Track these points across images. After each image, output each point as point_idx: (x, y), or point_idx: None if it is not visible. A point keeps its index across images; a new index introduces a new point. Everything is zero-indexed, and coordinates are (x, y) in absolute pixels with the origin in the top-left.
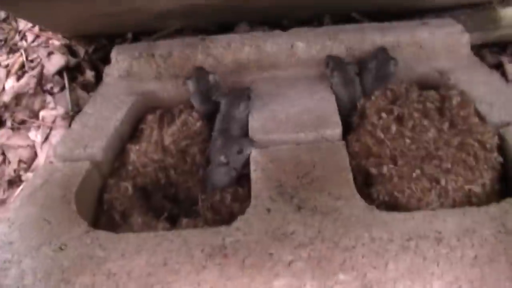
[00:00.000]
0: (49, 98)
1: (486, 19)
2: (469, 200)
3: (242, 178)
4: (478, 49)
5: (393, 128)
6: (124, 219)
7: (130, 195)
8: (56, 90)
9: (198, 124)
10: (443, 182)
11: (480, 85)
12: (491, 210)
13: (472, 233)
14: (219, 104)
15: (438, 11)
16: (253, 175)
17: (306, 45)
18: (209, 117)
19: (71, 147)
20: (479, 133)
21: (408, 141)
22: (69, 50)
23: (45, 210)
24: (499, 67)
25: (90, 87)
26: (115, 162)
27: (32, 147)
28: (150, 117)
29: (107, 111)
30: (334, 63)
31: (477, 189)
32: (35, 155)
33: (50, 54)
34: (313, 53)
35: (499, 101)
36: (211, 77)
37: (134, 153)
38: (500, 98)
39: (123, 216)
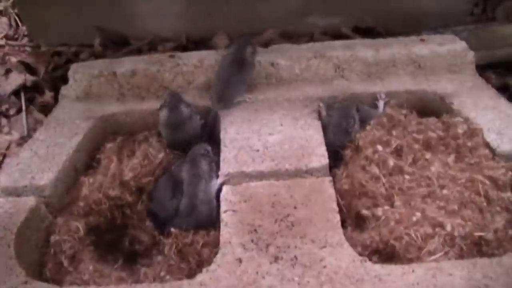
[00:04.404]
0: (3, 121)
1: (491, 36)
2: (479, 249)
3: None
4: (482, 70)
5: (391, 162)
6: (74, 265)
7: (81, 236)
8: (12, 112)
9: (160, 156)
10: (448, 227)
11: (487, 111)
12: (505, 262)
13: None
14: (189, 142)
15: (437, 28)
16: (223, 217)
17: (289, 64)
18: (177, 149)
19: (17, 179)
20: (489, 168)
21: (407, 177)
22: (27, 68)
23: None
24: (505, 90)
25: (49, 110)
26: (66, 196)
27: None
28: (109, 146)
29: (60, 137)
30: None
31: (488, 235)
32: None
33: (7, 72)
34: (296, 72)
35: (509, 129)
36: (183, 109)
37: (87, 187)
38: (510, 126)
39: (73, 260)
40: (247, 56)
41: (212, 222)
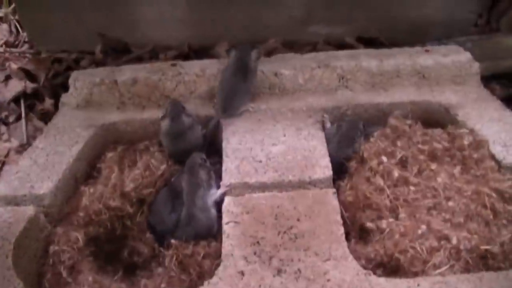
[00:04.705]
0: (3, 128)
1: (495, 47)
2: (485, 263)
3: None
4: (486, 81)
5: (395, 173)
6: (73, 276)
7: (80, 246)
8: (11, 119)
9: (162, 167)
10: (454, 240)
11: (493, 123)
12: None
13: None
14: (190, 150)
15: (441, 38)
16: (225, 229)
17: (292, 73)
18: (178, 159)
19: (16, 187)
20: (496, 181)
21: (412, 188)
22: (27, 75)
23: None
24: (509, 101)
25: (49, 117)
26: (66, 206)
27: None
28: (109, 155)
29: (61, 145)
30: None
31: (495, 249)
32: None
33: (7, 78)
34: (300, 83)
35: None
36: (185, 119)
37: (88, 197)
38: None
39: (72, 271)
40: (250, 61)
41: (212, 232)
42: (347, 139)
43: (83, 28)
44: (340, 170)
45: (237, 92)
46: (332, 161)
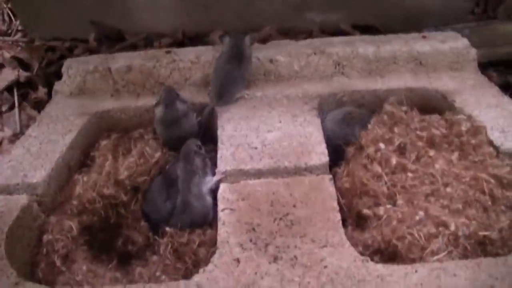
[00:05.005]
0: None
1: (492, 34)
2: (484, 249)
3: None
4: (483, 68)
5: (393, 160)
6: (67, 265)
7: (74, 235)
8: (4, 108)
9: (157, 155)
10: (452, 226)
11: (490, 109)
12: (511, 261)
13: None
14: (184, 137)
15: (438, 25)
16: (221, 216)
17: (287, 60)
18: (172, 147)
19: (8, 176)
20: (494, 167)
21: (410, 175)
22: (21, 63)
23: None
24: (506, 88)
25: (42, 106)
26: (59, 195)
27: None
28: (103, 143)
29: (54, 134)
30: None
31: (493, 235)
32: None
33: (0, 67)
34: (295, 69)
35: None
36: (179, 105)
37: (81, 186)
38: None
39: (66, 260)
40: (245, 48)
41: (207, 219)
42: (343, 122)
43: (76, 15)
44: (337, 157)
45: (231, 79)
46: (328, 145)
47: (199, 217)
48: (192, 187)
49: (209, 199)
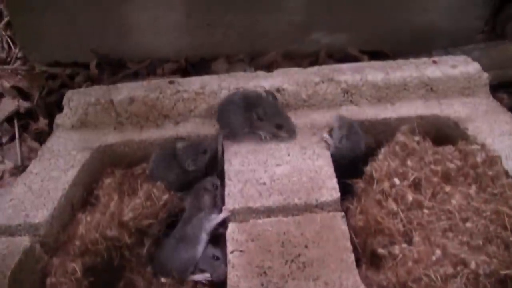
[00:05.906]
0: None
1: (503, 55)
2: None
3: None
4: (493, 90)
5: (409, 197)
6: None
7: (78, 278)
8: (4, 140)
9: (165, 197)
10: (472, 265)
11: (504, 137)
12: None
13: None
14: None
15: (447, 47)
16: (230, 258)
17: (295, 89)
18: (178, 188)
19: (10, 216)
20: None
21: (426, 211)
22: (20, 93)
23: None
24: None
25: (43, 137)
26: (62, 235)
27: None
28: (107, 181)
29: (55, 170)
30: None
31: None
32: None
33: None
34: (303, 98)
35: None
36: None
37: (84, 226)
38: None
39: None
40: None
41: (185, 272)
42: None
43: (76, 37)
44: (346, 190)
45: None
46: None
47: (177, 262)
48: (193, 224)
49: (200, 248)
